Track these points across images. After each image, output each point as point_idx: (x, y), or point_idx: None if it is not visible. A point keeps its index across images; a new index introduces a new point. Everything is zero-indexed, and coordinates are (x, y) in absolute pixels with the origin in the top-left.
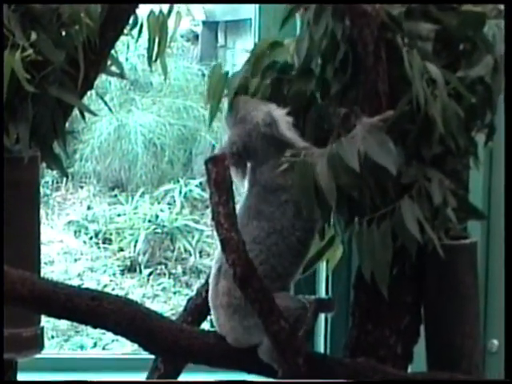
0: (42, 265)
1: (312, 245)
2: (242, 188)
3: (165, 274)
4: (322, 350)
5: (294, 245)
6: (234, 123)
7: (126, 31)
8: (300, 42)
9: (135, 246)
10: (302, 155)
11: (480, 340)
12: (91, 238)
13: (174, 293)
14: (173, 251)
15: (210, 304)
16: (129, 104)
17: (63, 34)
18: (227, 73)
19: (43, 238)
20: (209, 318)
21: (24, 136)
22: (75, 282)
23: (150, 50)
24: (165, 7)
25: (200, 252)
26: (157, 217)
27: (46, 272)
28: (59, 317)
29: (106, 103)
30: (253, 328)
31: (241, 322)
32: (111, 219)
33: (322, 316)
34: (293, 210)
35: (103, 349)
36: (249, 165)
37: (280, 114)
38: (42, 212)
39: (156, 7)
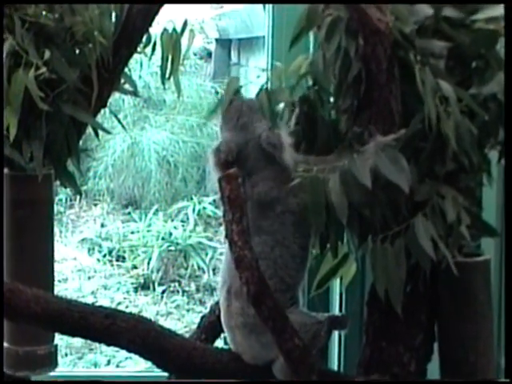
0: (56, 282)
1: (311, 246)
2: None
3: (178, 292)
4: (335, 368)
5: (297, 252)
6: (233, 126)
7: (139, 49)
8: (314, 60)
9: (149, 263)
10: (315, 171)
11: (493, 357)
12: (105, 256)
13: (188, 310)
14: (186, 269)
15: (224, 325)
16: (142, 122)
17: (77, 52)
18: (241, 87)
19: (57, 255)
20: (222, 335)
21: (38, 154)
22: (89, 300)
23: (163, 67)
24: (178, 25)
25: (213, 269)
26: (170, 234)
27: (60, 290)
28: (73, 335)
29: (119, 121)
30: (270, 344)
31: (258, 339)
32: (125, 237)
33: (336, 333)
34: (291, 219)
35: (117, 366)
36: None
37: (289, 143)
38: (56, 230)
39: (169, 25)
